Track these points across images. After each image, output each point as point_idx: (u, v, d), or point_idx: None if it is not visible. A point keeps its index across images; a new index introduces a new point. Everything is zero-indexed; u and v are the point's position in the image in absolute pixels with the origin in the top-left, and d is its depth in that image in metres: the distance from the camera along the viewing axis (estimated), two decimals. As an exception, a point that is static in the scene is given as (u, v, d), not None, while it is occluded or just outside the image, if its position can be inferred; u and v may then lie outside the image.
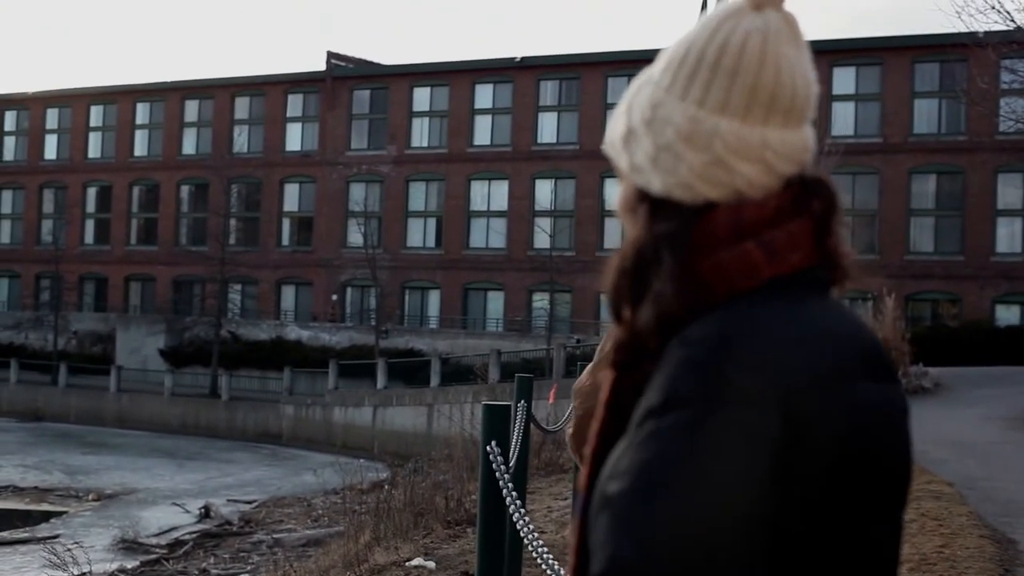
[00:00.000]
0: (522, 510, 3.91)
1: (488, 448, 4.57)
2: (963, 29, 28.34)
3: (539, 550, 3.38)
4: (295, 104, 57.87)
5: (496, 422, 4.73)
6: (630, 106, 1.63)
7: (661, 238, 1.56)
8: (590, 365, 3.19)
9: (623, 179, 1.65)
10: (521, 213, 51.67)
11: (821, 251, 1.59)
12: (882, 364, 1.57)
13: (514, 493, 4.07)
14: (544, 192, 51.75)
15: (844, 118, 46.82)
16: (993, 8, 30.38)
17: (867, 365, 1.54)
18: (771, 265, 1.54)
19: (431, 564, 10.51)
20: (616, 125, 1.65)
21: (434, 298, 53.66)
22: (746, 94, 1.54)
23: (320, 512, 26.18)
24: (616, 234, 49.99)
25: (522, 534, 3.76)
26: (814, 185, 1.61)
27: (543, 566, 2.98)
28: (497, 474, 4.40)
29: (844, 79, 47.05)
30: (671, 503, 1.40)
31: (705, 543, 1.40)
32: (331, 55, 57.31)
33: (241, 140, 58.14)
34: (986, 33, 26.48)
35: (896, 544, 1.56)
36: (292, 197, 57.74)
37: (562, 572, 3.12)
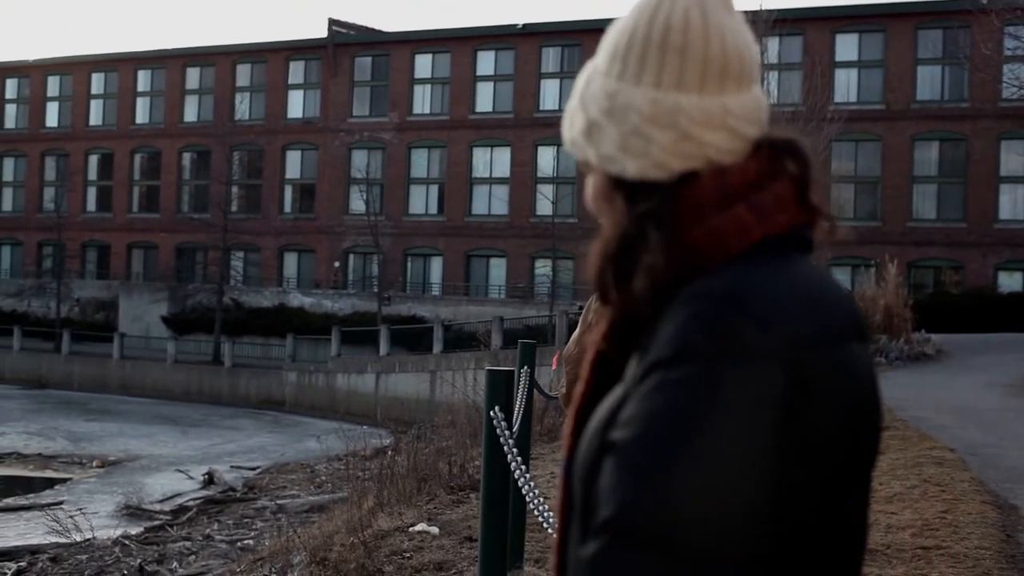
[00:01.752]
0: (527, 475, 3.92)
1: (492, 413, 4.58)
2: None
3: (545, 514, 3.39)
4: (297, 71, 57.74)
5: (499, 388, 4.74)
6: (583, 101, 1.67)
7: (644, 216, 1.61)
8: (576, 332, 3.21)
9: (592, 172, 1.69)
10: (523, 180, 51.61)
11: (805, 210, 1.65)
12: (864, 325, 1.67)
13: (519, 459, 4.09)
14: (546, 159, 51.67)
15: (847, 85, 46.69)
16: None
17: (856, 325, 1.64)
18: (761, 226, 1.59)
19: (435, 529, 10.53)
20: (573, 122, 1.68)
21: (436, 265, 53.67)
22: (699, 68, 1.60)
23: (323, 478, 26.23)
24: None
25: (527, 499, 3.77)
26: (785, 146, 1.66)
27: (549, 530, 3.00)
28: (501, 439, 4.41)
29: (847, 46, 46.92)
30: (686, 451, 1.45)
31: (717, 490, 1.45)
32: (332, 22, 57.15)
33: (243, 107, 58.02)
34: (990, 0, 26.45)
35: (868, 499, 1.69)
36: (294, 164, 57.67)
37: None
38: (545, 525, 3.15)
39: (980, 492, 10.93)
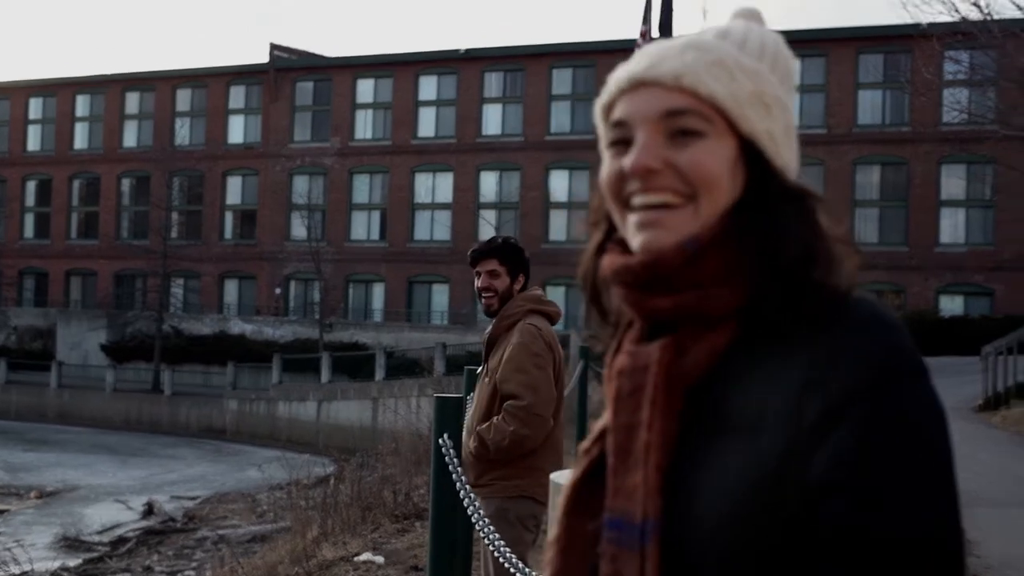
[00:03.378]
0: (476, 503, 3.82)
1: (440, 441, 4.48)
2: (908, 20, 28.48)
3: (495, 543, 3.29)
4: (237, 96, 57.44)
5: (448, 415, 4.64)
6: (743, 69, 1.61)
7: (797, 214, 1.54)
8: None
9: (711, 137, 1.56)
10: (466, 205, 51.54)
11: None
12: None
13: (468, 487, 3.99)
14: (489, 184, 51.65)
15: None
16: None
17: None
18: (855, 258, 1.58)
19: (380, 559, 10.40)
20: (733, 75, 1.59)
21: (378, 291, 53.44)
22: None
23: (265, 508, 25.96)
24: (560, 225, 50.05)
25: (477, 528, 3.67)
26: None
27: (502, 560, 2.91)
28: (450, 467, 4.31)
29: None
30: (941, 481, 1.39)
31: (955, 508, 1.40)
32: (274, 47, 56.93)
33: (183, 132, 57.62)
34: (930, 24, 26.65)
35: None
36: (235, 190, 57.32)
37: (519, 564, 3.05)
38: (496, 555, 3.06)
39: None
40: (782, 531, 1.38)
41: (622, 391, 1.50)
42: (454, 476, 4.17)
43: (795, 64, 1.70)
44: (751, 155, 1.55)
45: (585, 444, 1.56)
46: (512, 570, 2.87)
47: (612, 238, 1.59)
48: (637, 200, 1.53)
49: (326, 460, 25.36)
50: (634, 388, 1.49)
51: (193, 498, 29.06)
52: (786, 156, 1.59)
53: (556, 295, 49.75)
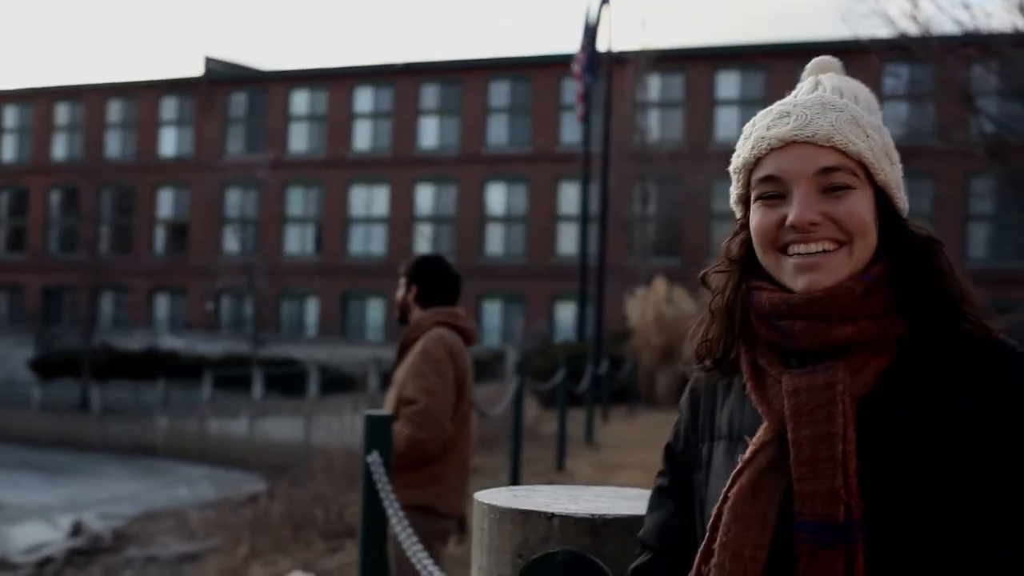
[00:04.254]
0: (405, 522, 3.64)
1: (370, 459, 4.31)
2: (847, 34, 28.60)
3: (423, 563, 3.13)
4: (169, 108, 56.90)
5: (377, 432, 4.49)
6: (875, 129, 1.90)
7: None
8: None
9: (856, 189, 1.82)
10: (402, 219, 51.32)
11: None
12: None
13: (396, 505, 3.80)
14: (425, 198, 51.48)
15: (728, 123, 47.19)
16: (877, 13, 30.77)
17: None
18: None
19: (310, 578, 10.17)
20: (864, 133, 1.87)
21: (312, 306, 53.07)
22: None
23: (195, 527, 25.56)
24: (498, 240, 49.99)
25: (405, 548, 3.48)
26: None
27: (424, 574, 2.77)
28: (379, 486, 4.12)
29: (728, 84, 47.46)
30: None
31: None
32: (209, 60, 56.51)
33: (113, 145, 57.00)
34: (870, 39, 26.76)
35: None
36: (166, 203, 56.73)
37: None
38: (424, 575, 2.91)
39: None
40: (970, 523, 1.61)
41: (801, 407, 1.68)
42: (383, 495, 3.98)
43: None
44: (882, 202, 1.84)
45: (745, 456, 1.71)
46: None
47: (749, 279, 1.84)
48: (797, 248, 1.78)
49: (258, 477, 25.05)
50: (817, 404, 1.68)
51: (122, 517, 28.59)
52: (904, 201, 1.87)
53: (492, 310, 49.78)
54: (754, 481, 1.66)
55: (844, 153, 1.81)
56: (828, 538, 1.61)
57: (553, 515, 1.47)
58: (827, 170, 1.79)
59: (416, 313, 5.94)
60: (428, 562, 2.90)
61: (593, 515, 1.49)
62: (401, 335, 6.01)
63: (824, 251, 1.75)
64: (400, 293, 6.08)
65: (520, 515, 1.50)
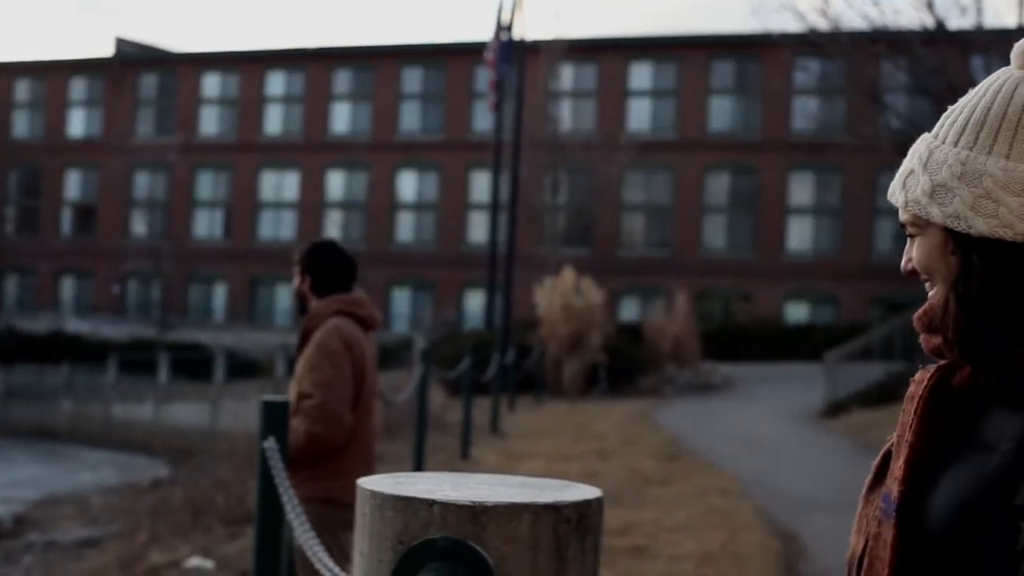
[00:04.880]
0: (299, 509, 3.63)
1: (266, 445, 4.29)
2: (758, 28, 28.84)
3: (315, 551, 3.13)
4: (79, 88, 56.12)
5: (275, 418, 4.47)
6: (926, 166, 1.95)
7: (1011, 274, 1.87)
8: None
9: (928, 229, 1.95)
10: (312, 204, 51.06)
11: None
12: None
13: (291, 492, 3.80)
14: (336, 183, 51.25)
15: (640, 114, 47.44)
16: (787, 8, 31.08)
17: None
18: None
19: (209, 564, 10.13)
20: (915, 184, 1.96)
21: (221, 291, 52.65)
22: None
23: (98, 512, 25.29)
24: (408, 227, 49.89)
25: (298, 535, 3.48)
26: None
27: (323, 571, 2.76)
28: (275, 472, 4.11)
29: (641, 75, 47.69)
30: None
31: None
32: (119, 40, 55.81)
33: (21, 124, 56.12)
34: (782, 34, 27.04)
35: None
36: (74, 184, 55.97)
37: (337, 571, 2.94)
38: (317, 566, 2.90)
39: (763, 522, 10.98)
40: (989, 532, 1.76)
41: (906, 402, 1.92)
42: (278, 481, 3.98)
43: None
44: (955, 234, 1.91)
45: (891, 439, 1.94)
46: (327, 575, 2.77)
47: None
48: None
49: (162, 463, 24.84)
50: (911, 399, 1.92)
51: (23, 501, 28.19)
52: (985, 222, 1.88)
53: (402, 297, 49.70)
54: (878, 464, 1.98)
55: (905, 208, 2.04)
56: (888, 510, 1.87)
57: (434, 502, 1.49)
58: (903, 223, 2.06)
59: (313, 302, 5.85)
60: (319, 550, 2.92)
61: (474, 502, 1.51)
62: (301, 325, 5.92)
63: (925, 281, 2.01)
64: (295, 282, 5.99)
65: (401, 501, 1.52)
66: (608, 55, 47.53)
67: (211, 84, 53.83)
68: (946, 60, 22.51)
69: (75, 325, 51.77)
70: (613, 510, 11.30)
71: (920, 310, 1.96)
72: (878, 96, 24.26)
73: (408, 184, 50.29)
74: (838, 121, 33.14)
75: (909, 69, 23.74)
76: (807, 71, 35.55)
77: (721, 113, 46.85)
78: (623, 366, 27.77)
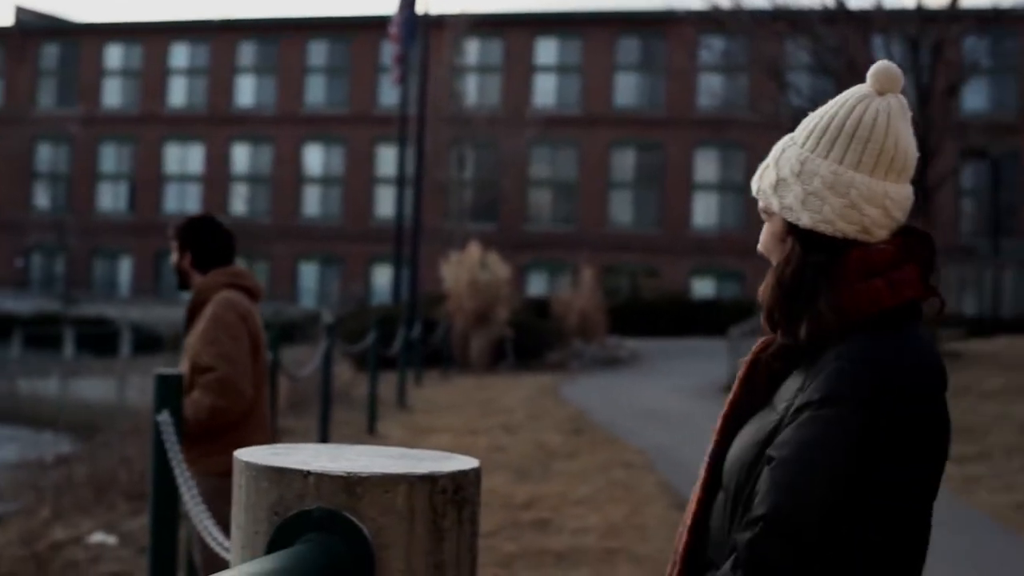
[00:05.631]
0: (191, 483, 3.64)
1: (160, 418, 4.28)
2: (662, 5, 28.92)
3: (206, 525, 3.14)
4: (-24, 59, 55.03)
5: (169, 391, 4.45)
6: (777, 162, 2.28)
7: (816, 266, 2.20)
8: None
9: (770, 218, 2.32)
10: (218, 178, 50.55)
11: (926, 289, 2.25)
12: (946, 379, 2.26)
13: (184, 466, 3.80)
14: (241, 156, 50.77)
15: (545, 89, 47.46)
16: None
17: (944, 381, 2.24)
18: (892, 298, 2.19)
19: (112, 539, 10.08)
20: (764, 176, 2.31)
21: (126, 265, 52.00)
22: (874, 156, 2.20)
23: (1, 488, 24.95)
24: (315, 201, 49.60)
25: (188, 508, 3.49)
26: (920, 236, 2.27)
27: (213, 545, 2.77)
28: (168, 446, 4.11)
29: (546, 50, 47.71)
30: (819, 472, 2.10)
31: (833, 501, 2.11)
32: (20, 10, 54.76)
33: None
34: (685, 11, 27.16)
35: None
36: (-28, 156, 54.93)
37: (226, 545, 2.98)
38: (205, 537, 2.91)
39: (666, 494, 11.10)
40: (757, 472, 2.17)
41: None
42: (171, 455, 3.98)
43: (870, 112, 2.23)
44: (789, 224, 2.27)
45: None
46: (217, 549, 2.78)
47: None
48: None
49: (68, 438, 24.54)
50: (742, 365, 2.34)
51: (-78, 478, 27.70)
52: (811, 217, 2.21)
53: (309, 271, 49.44)
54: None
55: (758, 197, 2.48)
56: (710, 460, 2.36)
57: (309, 473, 1.50)
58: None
59: (196, 278, 5.84)
60: (210, 523, 2.93)
61: (348, 473, 1.51)
62: (190, 301, 5.90)
63: None
64: (174, 258, 5.96)
65: (276, 472, 1.53)
66: (514, 30, 47.48)
67: (114, 55, 53.02)
68: (847, 39, 22.78)
69: (-24, 299, 50.89)
70: (519, 484, 11.37)
71: (761, 287, 2.32)
72: (780, 74, 24.47)
73: (314, 158, 49.95)
74: (742, 98, 33.33)
75: (810, 48, 23.98)
76: (711, 49, 35.74)
77: (626, 89, 47.01)
78: (530, 341, 27.84)
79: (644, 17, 45.05)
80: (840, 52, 22.59)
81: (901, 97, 2.26)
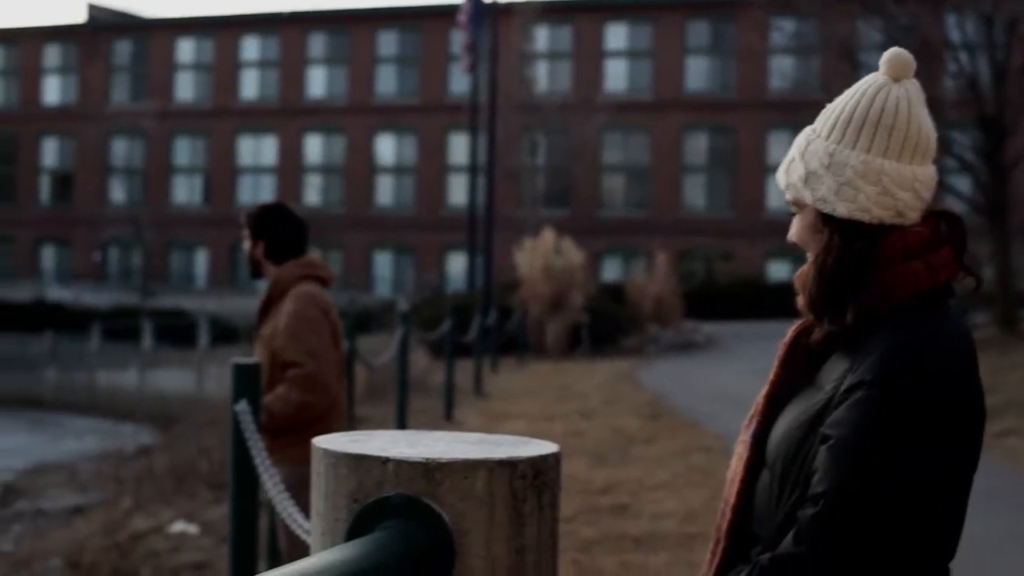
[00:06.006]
0: (272, 471, 3.65)
1: (238, 408, 4.30)
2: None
3: (290, 512, 3.14)
4: (52, 55, 55.73)
5: (247, 381, 4.47)
6: (803, 155, 2.35)
7: (857, 253, 2.27)
8: None
9: (802, 211, 2.38)
10: (291, 169, 50.88)
11: (961, 268, 2.33)
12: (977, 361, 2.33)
13: (264, 455, 3.81)
14: (314, 147, 51.06)
15: (616, 75, 47.31)
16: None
17: (976, 362, 2.31)
18: (929, 280, 2.27)
19: (193, 529, 10.16)
20: (791, 171, 2.38)
21: (202, 257, 52.51)
22: (900, 143, 2.28)
23: (84, 479, 25.29)
24: (388, 190, 49.78)
25: (274, 500, 3.50)
26: (952, 218, 2.36)
27: (297, 530, 2.78)
28: (247, 435, 4.13)
29: (616, 35, 47.55)
30: (880, 449, 2.18)
31: (898, 478, 2.18)
32: (92, 7, 55.42)
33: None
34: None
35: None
36: (51, 152, 55.68)
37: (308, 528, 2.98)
38: (290, 524, 2.91)
39: (745, 478, 10.98)
40: (807, 450, 2.24)
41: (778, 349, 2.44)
42: (251, 444, 3.99)
43: (891, 101, 2.31)
44: (823, 215, 2.33)
45: None
46: (304, 537, 2.79)
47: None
48: None
49: (147, 429, 24.85)
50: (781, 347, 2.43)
51: (10, 470, 28.16)
52: (846, 206, 2.28)
53: (383, 261, 49.66)
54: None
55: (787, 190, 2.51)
56: (749, 439, 2.40)
57: (388, 459, 1.49)
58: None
59: (270, 268, 5.80)
60: (293, 510, 2.94)
61: (427, 459, 1.50)
62: (265, 292, 5.86)
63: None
64: (247, 247, 5.92)
65: (355, 459, 1.53)
66: (583, 16, 47.34)
67: (185, 49, 53.50)
68: (919, 18, 22.47)
69: (57, 293, 51.60)
70: (596, 469, 11.35)
71: (796, 274, 2.38)
72: (852, 54, 24.21)
73: (386, 147, 50.13)
74: (814, 80, 32.95)
75: (882, 27, 23.67)
76: (782, 30, 35.39)
77: (697, 73, 46.75)
78: (605, 326, 27.79)
79: (714, 0, 44.76)
80: (913, 31, 22.28)
81: (915, 82, 2.35)
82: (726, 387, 19.40)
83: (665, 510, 9.48)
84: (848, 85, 2.48)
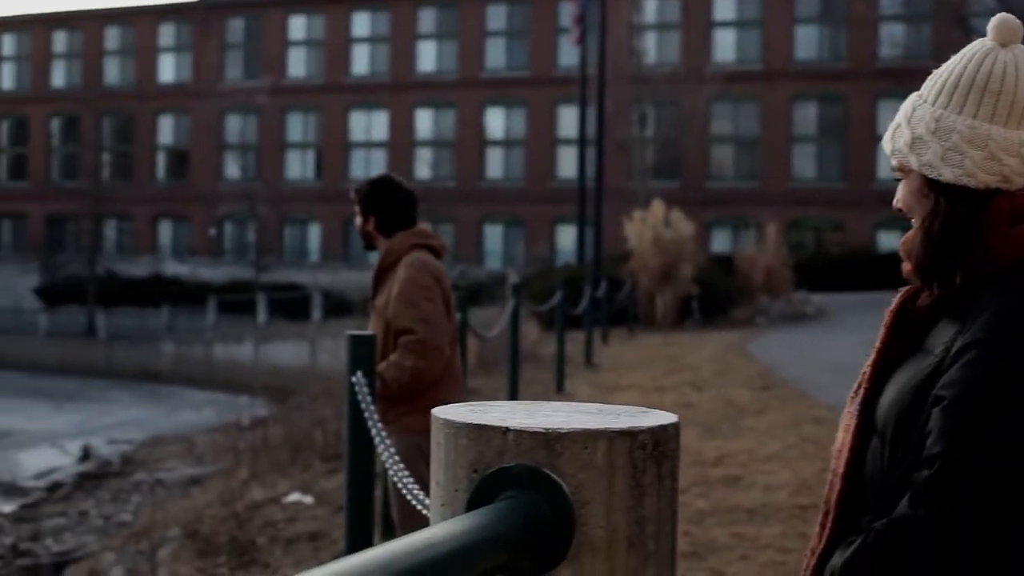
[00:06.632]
0: (387, 442, 3.69)
1: (354, 379, 4.35)
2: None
3: (406, 483, 3.18)
4: (167, 34, 56.57)
5: (362, 352, 4.51)
6: (910, 121, 2.35)
7: (964, 218, 2.26)
8: None
9: (909, 175, 2.36)
10: (402, 143, 51.18)
11: None
12: None
13: (379, 425, 3.86)
14: (425, 122, 51.30)
15: (725, 45, 46.90)
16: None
17: None
18: None
19: (309, 499, 10.29)
20: (898, 137, 2.37)
21: (315, 231, 53.08)
22: (1007, 108, 2.26)
23: (201, 450, 25.73)
24: (497, 163, 49.87)
25: (390, 470, 3.54)
26: None
27: (410, 498, 2.81)
28: (363, 406, 4.17)
29: (725, 5, 47.13)
30: (995, 410, 2.15)
31: (1014, 441, 2.15)
32: (204, -15, 56.17)
33: (112, 72, 56.71)
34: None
35: None
36: (166, 130, 56.58)
37: (426, 502, 3.00)
38: (405, 494, 2.95)
39: (859, 449, 10.89)
40: (919, 413, 2.22)
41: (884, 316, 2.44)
42: (367, 415, 4.04)
43: (998, 67, 2.27)
44: (929, 180, 2.32)
45: None
46: (419, 507, 2.82)
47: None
48: None
49: (262, 402, 25.17)
50: (887, 314, 2.43)
51: (130, 441, 28.74)
52: (952, 172, 2.27)
53: (493, 233, 49.80)
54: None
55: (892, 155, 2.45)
56: (856, 408, 2.37)
57: (508, 429, 1.49)
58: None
59: (382, 241, 5.86)
60: (408, 481, 2.97)
61: (547, 429, 1.49)
62: (378, 262, 5.92)
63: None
64: (359, 222, 5.96)
65: (475, 430, 1.52)
66: (692, -15, 46.99)
67: (297, 26, 53.99)
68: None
69: (174, 268, 52.53)
70: (708, 440, 11.32)
71: (902, 240, 2.40)
72: (964, 20, 23.81)
73: (496, 121, 50.21)
74: (925, 47, 32.46)
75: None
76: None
77: (806, 42, 46.19)
78: (715, 297, 27.64)
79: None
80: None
81: (1023, 47, 2.31)
82: (837, 358, 19.19)
83: (777, 481, 9.42)
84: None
